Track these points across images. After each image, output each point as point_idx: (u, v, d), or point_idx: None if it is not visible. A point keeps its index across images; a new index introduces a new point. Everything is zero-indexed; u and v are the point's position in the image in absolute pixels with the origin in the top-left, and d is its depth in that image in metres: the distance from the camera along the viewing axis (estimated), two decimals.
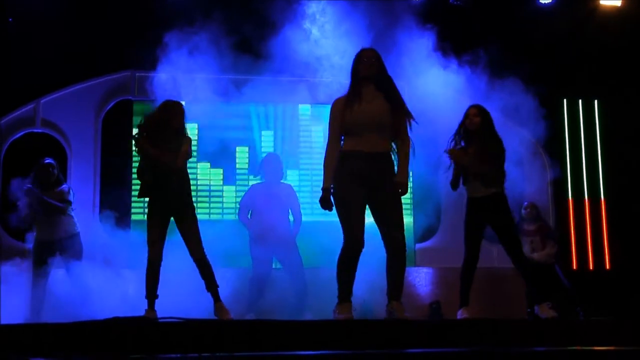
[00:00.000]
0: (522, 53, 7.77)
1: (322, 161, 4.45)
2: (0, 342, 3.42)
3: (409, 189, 7.80)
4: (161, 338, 3.55)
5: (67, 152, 7.63)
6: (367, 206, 4.39)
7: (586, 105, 8.71)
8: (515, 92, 7.11)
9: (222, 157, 7.70)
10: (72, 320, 3.97)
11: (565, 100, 8.67)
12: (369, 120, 4.32)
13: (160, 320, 4.45)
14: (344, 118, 4.34)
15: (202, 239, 5.11)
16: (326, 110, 4.62)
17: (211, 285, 5.08)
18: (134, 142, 5.22)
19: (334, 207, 4.35)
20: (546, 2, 8.23)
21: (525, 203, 7.06)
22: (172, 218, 5.12)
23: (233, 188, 7.77)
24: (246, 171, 7.77)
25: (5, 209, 6.66)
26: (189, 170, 5.29)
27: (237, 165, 7.82)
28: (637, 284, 7.74)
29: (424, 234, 8.08)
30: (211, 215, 7.69)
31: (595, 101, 8.70)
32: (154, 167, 5.04)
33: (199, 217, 5.24)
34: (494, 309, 6.68)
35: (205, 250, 5.10)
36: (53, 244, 6.14)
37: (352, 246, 4.29)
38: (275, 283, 6.43)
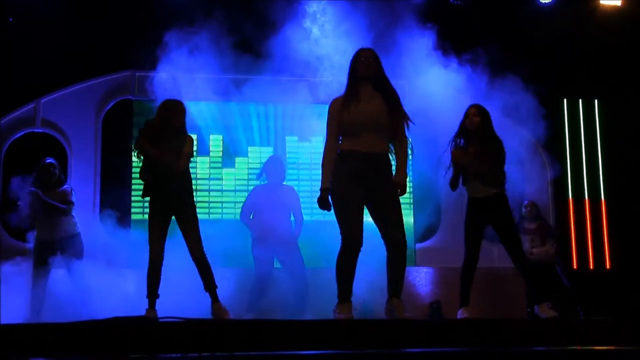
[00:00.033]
0: (522, 53, 7.77)
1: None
2: (0, 342, 3.42)
3: (409, 188, 7.95)
4: (161, 338, 3.55)
5: (67, 151, 7.64)
6: (365, 206, 4.39)
7: (586, 105, 8.71)
8: (515, 92, 7.12)
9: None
10: (73, 320, 3.97)
11: (565, 100, 8.68)
12: (366, 120, 4.32)
13: (160, 320, 4.45)
14: (342, 118, 4.34)
15: (203, 238, 5.11)
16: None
17: (210, 285, 5.08)
18: (134, 144, 5.21)
19: (332, 207, 4.35)
20: (546, 1, 8.23)
21: (526, 202, 7.08)
22: (173, 217, 5.12)
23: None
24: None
25: (6, 208, 6.66)
26: (190, 169, 5.29)
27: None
28: (637, 283, 7.75)
29: (424, 234, 8.09)
30: (210, 215, 7.69)
31: (596, 101, 8.70)
32: (154, 167, 5.04)
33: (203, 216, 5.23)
34: (494, 309, 6.68)
35: (205, 249, 5.10)
36: (54, 244, 6.15)
37: (350, 246, 4.28)
38: (276, 283, 6.43)
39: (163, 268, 5.05)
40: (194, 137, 5.63)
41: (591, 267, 8.35)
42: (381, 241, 4.37)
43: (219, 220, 7.62)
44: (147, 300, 5.00)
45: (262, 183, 6.64)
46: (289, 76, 7.25)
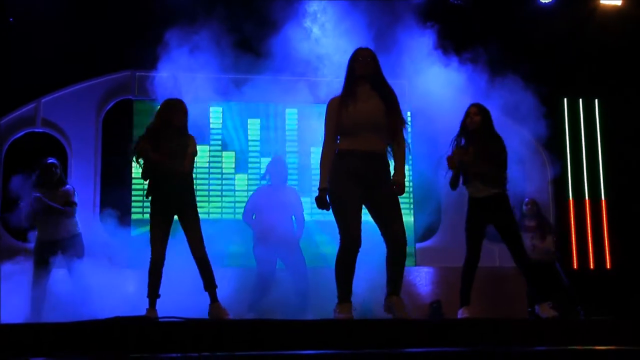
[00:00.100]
0: (523, 52, 7.78)
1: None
2: (0, 342, 3.42)
3: (409, 188, 7.97)
4: (162, 337, 3.55)
5: (67, 151, 7.64)
6: (364, 206, 4.38)
7: (587, 104, 8.71)
8: (515, 92, 7.12)
9: None
10: (73, 319, 3.97)
11: (565, 99, 8.68)
12: (365, 120, 4.31)
13: (161, 320, 4.45)
14: (340, 118, 4.33)
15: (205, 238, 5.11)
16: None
17: (210, 285, 5.07)
18: (133, 147, 5.18)
19: (330, 207, 4.34)
20: (546, 1, 8.23)
21: (527, 199, 7.12)
22: (175, 217, 5.12)
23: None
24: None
25: (6, 208, 6.67)
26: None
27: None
28: (637, 283, 7.75)
29: (425, 234, 8.09)
30: (210, 215, 7.69)
31: (596, 100, 8.71)
32: (154, 168, 5.03)
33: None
34: (495, 309, 6.68)
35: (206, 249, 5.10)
36: (55, 244, 6.15)
37: (349, 245, 4.28)
38: (278, 283, 6.43)
39: (164, 267, 5.05)
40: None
41: (591, 267, 8.36)
42: (381, 240, 4.37)
43: (219, 220, 7.62)
44: (147, 300, 4.99)
45: (265, 184, 6.65)
46: (289, 76, 7.25)
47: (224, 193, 7.81)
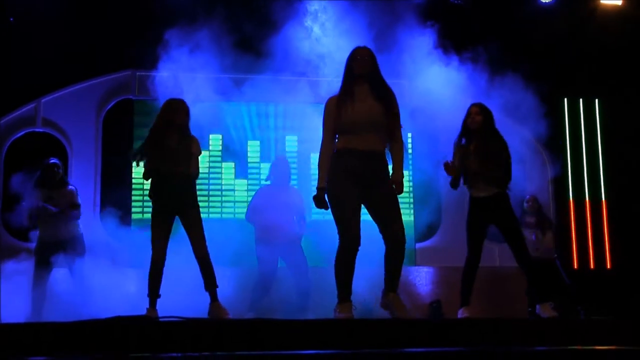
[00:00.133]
0: (523, 52, 7.78)
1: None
2: (0, 342, 3.42)
3: (409, 187, 7.97)
4: (162, 337, 3.55)
5: (67, 151, 7.65)
6: (363, 205, 4.38)
7: (587, 104, 8.71)
8: (516, 91, 7.12)
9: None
10: (73, 319, 3.97)
11: (565, 99, 8.68)
12: (363, 119, 4.30)
13: (161, 320, 4.45)
14: (339, 117, 4.32)
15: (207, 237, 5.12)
16: None
17: (210, 284, 5.07)
18: (137, 151, 5.18)
19: (329, 206, 4.34)
20: (547, 1, 8.23)
21: (527, 197, 7.16)
22: (176, 217, 5.12)
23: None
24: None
25: (6, 207, 6.67)
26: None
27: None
28: (638, 283, 7.75)
29: (425, 233, 8.09)
30: (210, 215, 7.69)
31: (596, 100, 8.71)
32: (156, 169, 5.04)
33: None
34: (495, 309, 6.68)
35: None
36: (57, 245, 6.14)
37: (348, 245, 4.28)
38: (279, 282, 6.43)
39: (165, 267, 5.05)
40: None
41: (592, 267, 8.36)
42: (380, 239, 4.37)
43: (219, 220, 7.62)
44: (147, 299, 5.00)
45: (268, 183, 6.65)
46: (289, 75, 7.25)
47: (223, 193, 7.81)
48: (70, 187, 6.30)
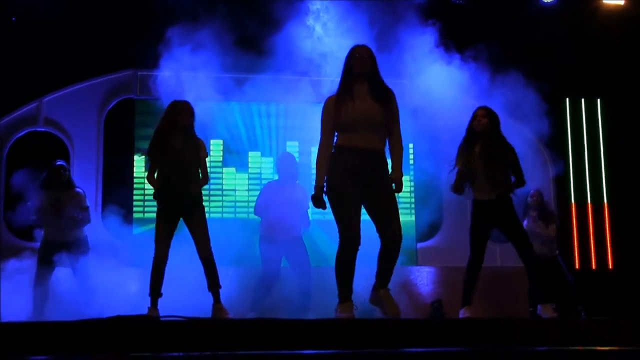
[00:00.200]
0: (525, 52, 7.77)
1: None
2: (1, 341, 3.43)
3: (410, 187, 7.97)
4: (163, 336, 3.55)
5: (69, 150, 7.65)
6: (361, 204, 4.38)
7: (589, 104, 8.70)
8: (517, 91, 7.12)
9: None
10: (75, 318, 3.97)
11: (567, 99, 8.67)
12: (362, 118, 4.29)
13: (162, 319, 4.45)
14: (339, 116, 4.31)
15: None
16: None
17: (214, 285, 5.08)
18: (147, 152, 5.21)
19: (327, 206, 4.34)
20: (548, 1, 8.22)
21: (532, 191, 7.17)
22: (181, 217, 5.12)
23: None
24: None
25: (9, 206, 6.68)
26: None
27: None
28: (638, 283, 7.75)
29: (426, 233, 8.08)
30: (210, 215, 7.70)
31: (598, 100, 8.70)
32: (161, 172, 5.05)
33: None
34: (496, 309, 6.68)
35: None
36: (61, 245, 6.14)
37: (349, 244, 4.27)
38: (282, 281, 6.43)
39: (167, 266, 5.05)
40: None
41: (594, 267, 8.35)
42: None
43: (220, 220, 7.62)
44: (149, 298, 5.00)
45: (275, 180, 6.65)
46: (291, 74, 7.25)
47: (224, 192, 7.82)
48: (77, 189, 6.30)
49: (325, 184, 4.33)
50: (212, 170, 7.80)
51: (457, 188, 5.24)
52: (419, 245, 8.00)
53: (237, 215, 7.59)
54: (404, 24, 7.12)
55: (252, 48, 7.19)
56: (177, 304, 4.82)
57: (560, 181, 8.40)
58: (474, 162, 5.14)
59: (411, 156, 7.99)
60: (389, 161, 4.43)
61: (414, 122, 7.63)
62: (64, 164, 6.34)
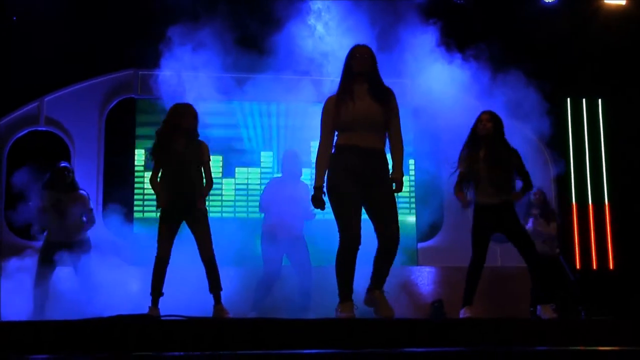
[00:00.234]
0: (526, 52, 7.76)
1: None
2: (1, 340, 3.43)
3: (411, 187, 7.96)
4: (164, 336, 3.55)
5: (70, 150, 7.66)
6: (361, 203, 4.37)
7: (590, 104, 8.70)
8: (518, 91, 7.11)
9: None
10: (76, 317, 3.98)
11: (568, 99, 8.67)
12: (362, 117, 4.28)
13: (163, 318, 4.45)
14: (338, 116, 4.31)
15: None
16: None
17: (215, 286, 5.07)
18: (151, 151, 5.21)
19: (326, 205, 4.34)
20: (550, 0, 8.21)
21: (535, 190, 7.16)
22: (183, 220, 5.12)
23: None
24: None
25: (9, 206, 6.68)
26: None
27: None
28: (639, 283, 7.75)
29: (427, 233, 8.08)
30: (210, 214, 7.69)
31: (599, 100, 8.69)
32: (165, 173, 5.05)
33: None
34: (497, 309, 6.68)
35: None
36: (63, 246, 6.14)
37: (349, 244, 4.27)
38: (283, 280, 6.42)
39: (169, 266, 5.05)
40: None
41: (594, 267, 8.35)
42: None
43: (220, 219, 7.62)
44: (150, 297, 5.00)
45: (278, 177, 6.64)
46: (292, 74, 7.25)
47: (224, 192, 7.82)
48: (81, 191, 6.29)
49: (325, 183, 4.32)
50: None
51: (459, 190, 5.23)
52: (420, 245, 7.99)
53: (237, 215, 7.58)
54: (405, 24, 7.12)
55: (253, 47, 7.19)
56: (178, 304, 4.82)
57: (561, 181, 8.40)
58: (477, 166, 5.15)
59: (411, 161, 7.95)
60: (390, 161, 4.44)
61: (414, 122, 7.62)
62: (68, 165, 6.34)
